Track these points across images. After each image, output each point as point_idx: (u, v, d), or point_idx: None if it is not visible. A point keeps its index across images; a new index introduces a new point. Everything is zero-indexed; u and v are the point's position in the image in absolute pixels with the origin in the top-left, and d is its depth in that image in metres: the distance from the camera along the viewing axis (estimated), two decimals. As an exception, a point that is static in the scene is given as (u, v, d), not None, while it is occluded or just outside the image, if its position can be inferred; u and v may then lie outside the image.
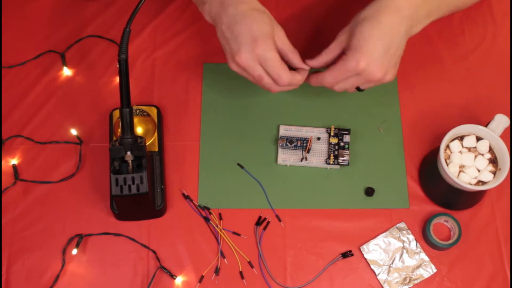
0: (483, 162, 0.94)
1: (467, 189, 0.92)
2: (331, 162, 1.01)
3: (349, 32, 0.90)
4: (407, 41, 1.13)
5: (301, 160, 1.01)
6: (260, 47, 0.86)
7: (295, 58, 0.91)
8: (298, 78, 0.90)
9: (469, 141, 0.95)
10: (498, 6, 1.13)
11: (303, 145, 1.01)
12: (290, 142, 1.01)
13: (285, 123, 1.03)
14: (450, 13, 0.99)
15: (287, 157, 1.01)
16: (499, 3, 1.14)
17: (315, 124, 1.04)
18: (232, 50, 0.88)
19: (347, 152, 1.01)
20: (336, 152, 1.01)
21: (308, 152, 1.01)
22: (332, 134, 1.02)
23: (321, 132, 1.03)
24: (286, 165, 1.01)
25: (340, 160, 1.01)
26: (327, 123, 1.04)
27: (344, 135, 1.02)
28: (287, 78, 0.88)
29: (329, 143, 1.02)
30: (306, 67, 0.92)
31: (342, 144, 1.02)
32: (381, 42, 0.86)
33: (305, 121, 1.04)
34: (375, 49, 0.86)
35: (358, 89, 0.91)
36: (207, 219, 0.99)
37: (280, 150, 1.01)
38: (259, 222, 0.99)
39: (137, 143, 0.91)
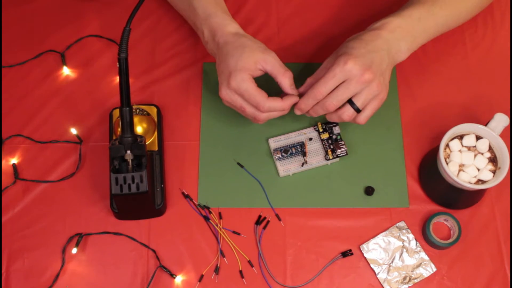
0: (482, 161, 0.94)
1: (467, 188, 0.92)
2: (331, 157, 1.01)
3: (334, 55, 0.94)
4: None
5: (302, 165, 1.01)
6: (232, 80, 0.91)
7: (283, 81, 0.93)
8: (279, 104, 0.93)
9: (469, 140, 0.95)
10: (497, 6, 1.13)
11: (298, 150, 1.01)
12: (285, 151, 1.01)
13: (272, 135, 1.03)
14: (441, 34, 1.01)
15: (288, 167, 1.01)
16: (499, 3, 1.14)
17: (301, 126, 1.04)
18: (218, 87, 0.94)
19: (342, 142, 1.01)
20: (331, 146, 1.01)
21: (306, 155, 1.01)
22: (321, 130, 1.03)
23: (310, 132, 1.03)
24: (290, 175, 1.01)
25: (338, 152, 1.01)
26: (313, 121, 1.04)
27: (333, 128, 1.03)
28: (265, 104, 0.92)
29: (322, 140, 1.02)
30: (294, 92, 0.94)
31: (334, 136, 1.02)
32: (366, 50, 0.90)
33: (291, 127, 1.04)
34: (361, 53, 0.90)
35: (353, 106, 0.92)
36: (207, 218, 0.99)
37: (278, 162, 1.01)
38: (259, 221, 0.99)
39: (137, 142, 0.91)
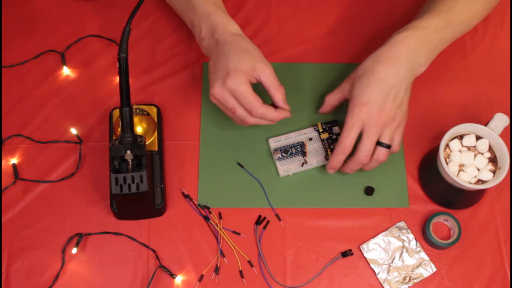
0: (482, 161, 0.94)
1: (467, 188, 0.92)
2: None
3: (351, 82, 0.95)
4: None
5: (302, 165, 1.01)
6: (231, 80, 0.91)
7: (277, 95, 0.94)
8: (272, 114, 0.94)
9: (469, 140, 0.95)
10: (497, 6, 1.13)
11: (298, 150, 1.01)
12: (285, 151, 1.01)
13: (272, 135, 1.03)
14: (455, 40, 1.01)
15: (288, 167, 1.01)
16: (499, 3, 1.14)
17: (301, 126, 1.04)
18: (210, 84, 0.94)
19: None
20: (332, 146, 1.01)
21: (306, 155, 1.01)
22: (321, 130, 1.03)
23: (310, 132, 1.03)
24: (289, 175, 1.01)
25: None
26: (313, 121, 1.04)
27: (333, 127, 1.02)
28: (259, 109, 0.92)
29: (322, 140, 1.02)
30: (286, 107, 0.95)
31: (334, 136, 1.02)
32: (379, 89, 0.91)
33: (291, 127, 1.04)
34: (373, 95, 0.91)
35: (382, 145, 0.93)
36: (207, 218, 0.99)
37: (278, 162, 1.01)
38: (259, 221, 0.99)
39: (137, 142, 0.91)
